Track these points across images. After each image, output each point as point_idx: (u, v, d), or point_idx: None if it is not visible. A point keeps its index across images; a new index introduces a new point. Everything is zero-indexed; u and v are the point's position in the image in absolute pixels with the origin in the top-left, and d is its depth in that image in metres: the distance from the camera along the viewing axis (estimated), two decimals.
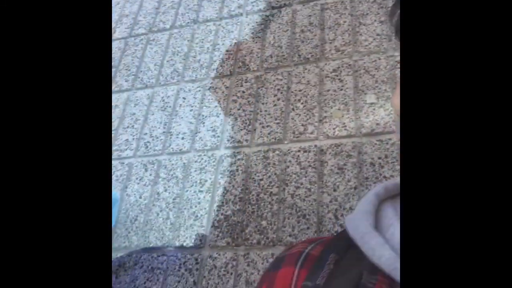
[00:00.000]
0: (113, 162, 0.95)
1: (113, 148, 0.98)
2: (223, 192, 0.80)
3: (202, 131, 0.90)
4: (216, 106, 0.92)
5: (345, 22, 0.90)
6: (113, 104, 1.06)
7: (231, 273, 0.71)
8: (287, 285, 0.36)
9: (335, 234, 0.41)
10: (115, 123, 1.02)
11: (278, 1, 1.02)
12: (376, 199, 0.35)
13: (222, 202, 0.79)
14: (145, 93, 1.03)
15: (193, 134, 0.90)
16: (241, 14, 1.05)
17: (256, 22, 1.01)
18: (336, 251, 0.37)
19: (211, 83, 0.97)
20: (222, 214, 0.78)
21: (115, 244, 0.81)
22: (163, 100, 1.00)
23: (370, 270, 0.33)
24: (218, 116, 0.90)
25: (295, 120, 0.83)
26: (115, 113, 1.04)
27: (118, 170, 0.92)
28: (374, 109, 0.78)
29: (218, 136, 0.88)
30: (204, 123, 0.91)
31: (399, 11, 0.37)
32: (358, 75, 0.83)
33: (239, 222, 0.76)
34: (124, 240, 0.81)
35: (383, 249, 0.31)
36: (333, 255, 0.37)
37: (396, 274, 0.29)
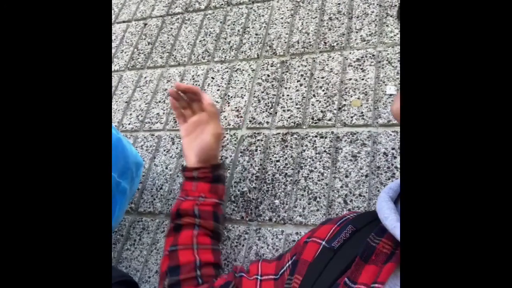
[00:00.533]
0: (144, 133, 1.02)
1: (145, 120, 1.05)
2: (241, 170, 0.85)
3: (226, 110, 0.95)
4: (241, 87, 0.97)
5: (373, 12, 0.91)
6: (147, 79, 1.13)
7: (243, 245, 0.77)
8: (326, 233, 0.47)
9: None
10: (148, 97, 1.09)
11: None
12: (390, 200, 0.42)
13: (240, 179, 0.84)
14: (177, 70, 1.09)
15: (219, 112, 0.95)
16: None
17: (287, 8, 1.03)
18: (354, 224, 0.45)
19: (239, 65, 1.01)
20: (239, 190, 0.83)
21: (141, 208, 0.89)
22: (193, 78, 1.05)
23: (377, 232, 0.41)
24: (242, 98, 0.95)
25: (315, 106, 0.86)
26: (149, 88, 1.10)
27: (148, 141, 1.00)
28: (392, 100, 0.80)
29: (241, 117, 0.92)
30: (229, 103, 0.96)
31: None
32: (380, 66, 0.85)
33: (254, 199, 0.81)
34: (149, 206, 0.89)
35: (391, 213, 0.39)
36: (350, 226, 0.45)
37: (396, 233, 0.37)
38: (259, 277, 0.54)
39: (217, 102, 0.98)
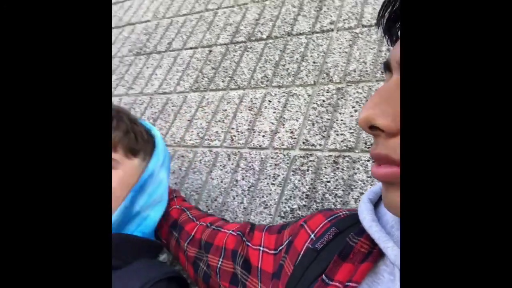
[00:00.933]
0: (203, 149, 1.10)
1: (205, 137, 1.13)
2: (292, 188, 0.89)
3: (281, 131, 1.00)
4: (296, 111, 1.02)
5: None
6: (209, 100, 1.22)
7: None
8: (317, 225, 0.50)
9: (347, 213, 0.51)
10: (209, 117, 1.17)
11: (369, 20, 1.08)
12: (369, 202, 0.44)
13: (290, 196, 0.88)
14: (237, 93, 1.17)
15: (273, 134, 1.01)
16: (332, 30, 1.13)
17: (345, 38, 1.08)
18: (338, 227, 0.47)
19: (295, 90, 1.07)
20: (288, 206, 0.86)
21: None
22: (251, 101, 1.12)
23: (356, 232, 0.43)
24: (297, 120, 1.00)
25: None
26: (210, 108, 1.19)
27: (206, 156, 1.07)
28: None
29: (295, 138, 0.97)
30: (284, 125, 1.01)
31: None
32: None
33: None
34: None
35: (368, 214, 0.41)
36: (334, 228, 0.47)
37: (371, 232, 0.40)
38: (261, 248, 0.57)
39: (272, 123, 1.03)
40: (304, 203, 0.85)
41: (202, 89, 1.27)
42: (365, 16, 1.09)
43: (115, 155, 0.70)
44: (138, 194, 0.74)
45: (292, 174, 0.91)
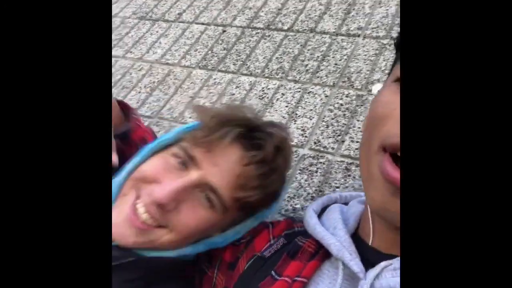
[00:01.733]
0: None
1: None
2: (297, 187, 0.84)
3: (292, 127, 0.95)
4: (311, 109, 0.98)
5: None
6: (216, 81, 1.15)
7: None
8: (281, 231, 0.55)
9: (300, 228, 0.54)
10: (214, 98, 1.10)
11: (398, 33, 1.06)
12: (313, 211, 0.51)
13: (294, 195, 0.83)
14: (248, 79, 1.11)
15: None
16: (359, 36, 1.10)
17: (372, 47, 1.05)
18: (286, 238, 0.51)
19: (312, 88, 1.02)
20: (291, 205, 0.82)
21: None
22: (263, 90, 1.07)
23: (303, 235, 0.49)
24: (310, 119, 0.95)
25: None
26: (217, 89, 1.12)
27: None
28: None
29: (306, 137, 0.92)
30: (295, 121, 0.97)
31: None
32: None
33: None
34: None
35: (311, 220, 0.48)
36: (282, 239, 0.51)
37: (314, 232, 0.47)
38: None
39: (283, 117, 0.98)
40: (308, 204, 0.81)
41: (210, 67, 1.20)
42: (395, 28, 1.07)
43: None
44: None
45: (299, 173, 0.86)
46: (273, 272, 0.44)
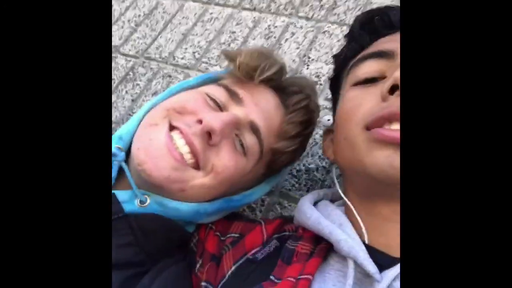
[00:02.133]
0: (198, 73, 0.89)
1: (202, 59, 0.91)
2: (312, 143, 0.72)
3: (304, 72, 0.81)
4: (327, 52, 0.83)
5: None
6: (213, 16, 0.98)
7: None
8: (273, 230, 0.51)
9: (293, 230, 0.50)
10: (210, 36, 0.94)
11: None
12: (311, 202, 0.48)
13: (308, 153, 0.71)
14: (252, 15, 0.94)
15: (293, 73, 0.82)
16: None
17: None
18: (278, 239, 0.48)
19: (328, 27, 0.87)
20: (303, 165, 0.70)
21: None
22: (269, 29, 0.91)
23: (293, 239, 0.46)
24: (326, 64, 0.81)
25: None
26: (214, 26, 0.96)
27: None
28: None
29: (321, 84, 0.79)
30: (308, 66, 0.82)
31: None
32: None
33: (320, 179, 0.68)
34: None
35: (313, 212, 0.44)
36: (275, 241, 0.48)
37: (323, 229, 0.41)
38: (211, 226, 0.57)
39: (293, 61, 0.84)
40: (324, 164, 0.69)
41: (205, 0, 1.02)
42: None
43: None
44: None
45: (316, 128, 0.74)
46: (272, 277, 0.41)
